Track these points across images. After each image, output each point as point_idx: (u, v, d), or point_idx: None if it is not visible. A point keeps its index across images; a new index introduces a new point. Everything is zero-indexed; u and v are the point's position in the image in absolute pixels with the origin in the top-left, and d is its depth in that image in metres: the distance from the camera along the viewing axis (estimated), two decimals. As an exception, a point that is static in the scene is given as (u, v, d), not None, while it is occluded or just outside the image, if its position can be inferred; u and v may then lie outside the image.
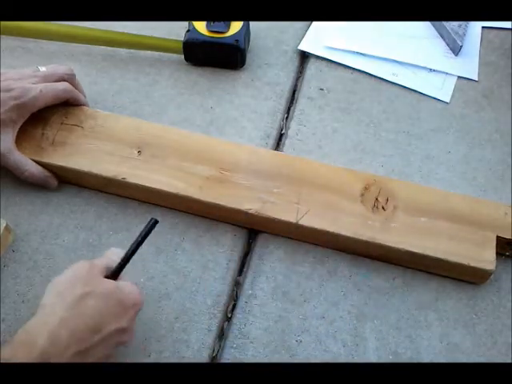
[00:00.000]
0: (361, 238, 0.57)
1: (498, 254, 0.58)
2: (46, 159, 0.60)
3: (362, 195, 0.60)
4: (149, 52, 0.74)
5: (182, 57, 0.73)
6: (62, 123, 0.63)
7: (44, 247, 0.58)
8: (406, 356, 0.54)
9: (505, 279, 0.59)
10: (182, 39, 0.71)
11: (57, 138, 0.62)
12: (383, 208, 0.59)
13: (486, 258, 0.57)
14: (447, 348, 0.55)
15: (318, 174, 0.61)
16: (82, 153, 0.61)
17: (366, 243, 0.58)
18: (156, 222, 0.50)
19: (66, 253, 0.57)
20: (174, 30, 0.74)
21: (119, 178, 0.59)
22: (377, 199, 0.60)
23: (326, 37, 0.77)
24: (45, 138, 0.61)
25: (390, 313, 0.57)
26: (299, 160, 0.63)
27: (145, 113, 0.69)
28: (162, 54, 0.74)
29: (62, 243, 0.58)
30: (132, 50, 0.74)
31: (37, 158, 0.60)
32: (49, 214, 0.60)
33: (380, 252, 0.58)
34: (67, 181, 0.62)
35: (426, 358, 0.54)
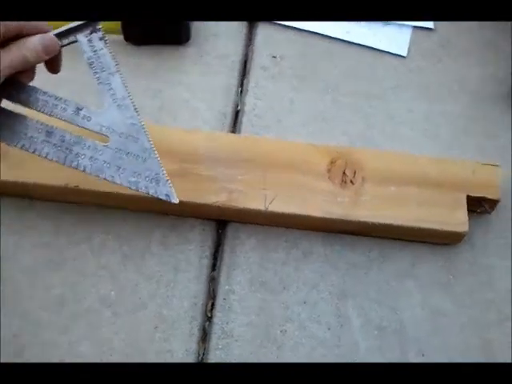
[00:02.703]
0: (332, 217, 0.56)
1: (469, 211, 0.57)
2: (-11, 176, 0.56)
3: (329, 171, 0.58)
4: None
5: (121, 37, 0.68)
6: (-1, 133, 0.58)
7: (1, 273, 0.54)
8: (391, 329, 0.54)
9: (478, 236, 0.59)
10: (119, 19, 0.66)
11: (-3, 151, 0.57)
12: (351, 182, 0.58)
13: (458, 220, 0.56)
14: (430, 313, 0.55)
15: (282, 154, 0.59)
16: (26, 162, 0.56)
17: (338, 221, 0.56)
18: None
19: (26, 276, 0.54)
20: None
21: (71, 186, 0.55)
22: (344, 173, 0.58)
23: (271, -2, 0.72)
24: (-16, 153, 0.57)
25: (369, 287, 0.56)
26: (260, 141, 0.60)
27: (87, 105, 0.63)
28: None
29: (20, 266, 0.54)
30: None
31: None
32: (1, 234, 0.56)
33: (353, 228, 0.57)
34: (17, 195, 0.58)
35: (411, 328, 0.54)
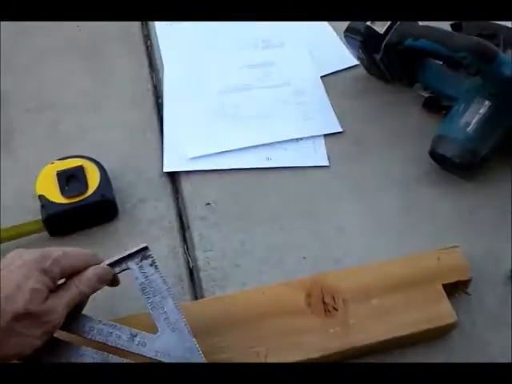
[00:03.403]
0: (330, 352, 0.54)
1: (449, 295, 0.58)
2: None
3: (309, 304, 0.57)
4: (2, 245, 0.62)
5: (46, 234, 0.63)
6: None
7: None
8: None
9: (465, 317, 0.59)
10: (40, 217, 0.62)
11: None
12: (334, 308, 0.57)
13: (444, 312, 0.57)
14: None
15: (257, 304, 0.57)
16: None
17: (337, 353, 0.54)
18: None
19: None
20: (23, 207, 0.65)
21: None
22: (324, 302, 0.57)
23: (185, 148, 0.72)
24: None
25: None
26: (228, 299, 0.58)
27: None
28: (19, 240, 0.63)
29: None
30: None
31: None
32: None
33: (351, 353, 0.55)
34: None
35: None
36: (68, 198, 0.62)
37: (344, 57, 0.84)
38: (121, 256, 0.53)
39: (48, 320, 0.45)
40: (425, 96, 0.76)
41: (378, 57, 0.74)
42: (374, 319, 0.56)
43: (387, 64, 0.75)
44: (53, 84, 0.80)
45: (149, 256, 0.53)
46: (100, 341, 0.49)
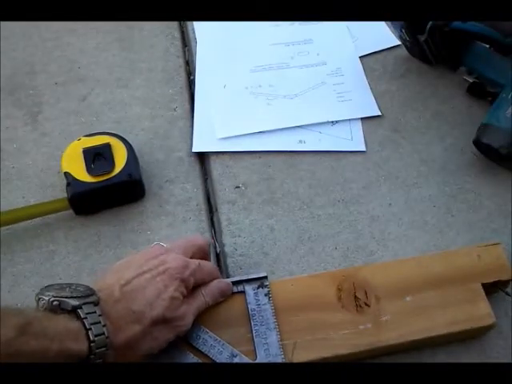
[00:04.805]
0: (360, 349, 0.52)
1: (487, 295, 0.55)
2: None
3: (340, 298, 0.54)
4: (28, 222, 0.62)
5: (71, 211, 0.62)
6: None
7: None
8: None
9: (502, 316, 0.57)
10: (65, 195, 0.60)
11: None
12: (366, 304, 0.54)
13: (482, 312, 0.54)
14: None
15: (285, 296, 0.54)
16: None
17: (368, 351, 0.52)
18: None
19: None
20: (46, 182, 0.64)
21: None
22: (356, 297, 0.54)
23: (215, 128, 0.69)
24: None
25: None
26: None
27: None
28: (44, 218, 0.62)
29: None
30: (8, 227, 0.61)
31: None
32: None
33: (383, 351, 0.53)
34: None
35: None
36: (94, 176, 0.60)
37: (385, 36, 0.80)
38: (241, 278, 0.54)
39: (179, 325, 0.49)
40: (469, 81, 0.71)
41: (422, 38, 0.70)
42: (408, 317, 0.53)
43: (432, 46, 0.71)
44: (83, 57, 0.78)
45: (266, 286, 0.54)
46: (203, 351, 0.50)
